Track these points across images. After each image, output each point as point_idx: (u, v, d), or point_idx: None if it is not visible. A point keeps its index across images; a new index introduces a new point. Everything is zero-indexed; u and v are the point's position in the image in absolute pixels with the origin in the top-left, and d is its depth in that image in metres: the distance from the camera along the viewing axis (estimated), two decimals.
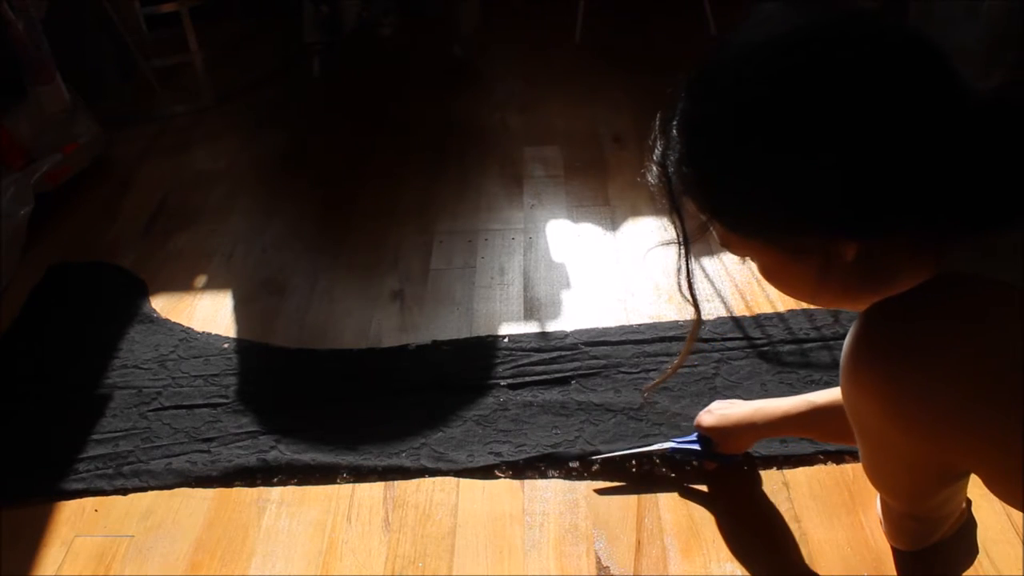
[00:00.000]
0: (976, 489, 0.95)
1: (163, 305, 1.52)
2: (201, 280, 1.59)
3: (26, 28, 1.68)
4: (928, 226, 0.64)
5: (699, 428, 1.09)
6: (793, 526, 1.04)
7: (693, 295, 0.76)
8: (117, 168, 1.97)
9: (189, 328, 1.45)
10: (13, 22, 1.66)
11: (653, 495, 1.09)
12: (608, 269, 1.52)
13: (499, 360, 1.32)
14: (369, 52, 2.45)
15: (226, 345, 1.41)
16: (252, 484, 1.16)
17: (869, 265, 0.66)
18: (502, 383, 1.28)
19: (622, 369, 1.29)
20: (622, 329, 1.37)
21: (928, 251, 0.65)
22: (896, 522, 0.93)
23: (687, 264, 0.74)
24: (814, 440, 1.10)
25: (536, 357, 1.32)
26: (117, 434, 1.24)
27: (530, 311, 1.43)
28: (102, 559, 1.07)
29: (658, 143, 0.70)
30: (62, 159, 1.79)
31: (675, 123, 0.68)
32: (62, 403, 1.31)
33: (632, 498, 1.09)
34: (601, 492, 1.11)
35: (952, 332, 0.62)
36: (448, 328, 1.41)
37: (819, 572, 0.98)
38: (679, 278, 0.75)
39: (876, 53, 0.60)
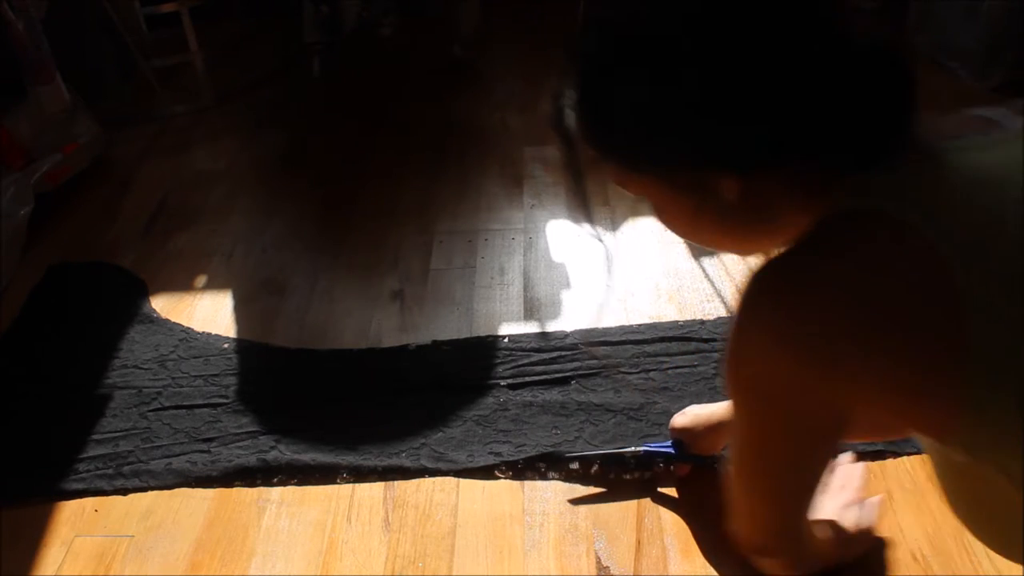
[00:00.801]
0: None
1: (163, 305, 1.52)
2: (201, 280, 1.59)
3: (26, 28, 1.68)
4: (810, 163, 0.64)
5: (672, 430, 1.09)
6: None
7: (593, 228, 0.77)
8: (117, 168, 1.97)
9: (189, 328, 1.45)
10: (13, 22, 1.66)
11: (653, 495, 1.09)
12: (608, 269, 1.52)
13: (499, 360, 1.32)
14: (369, 52, 2.45)
15: (226, 345, 1.41)
16: (252, 484, 1.16)
17: (753, 202, 0.66)
18: (502, 383, 1.28)
19: (622, 369, 1.29)
20: (622, 329, 1.37)
21: (812, 189, 0.65)
22: (757, 563, 0.87)
23: (583, 196, 0.74)
24: None
25: (536, 357, 1.32)
26: (117, 434, 1.24)
27: (530, 311, 1.43)
28: (102, 559, 1.07)
29: (558, 82, 0.70)
30: (62, 159, 1.79)
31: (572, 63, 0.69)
32: (62, 403, 1.31)
33: (633, 498, 1.09)
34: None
35: (834, 264, 0.62)
36: (448, 328, 1.41)
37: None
38: (576, 213, 0.75)
39: None
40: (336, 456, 1.17)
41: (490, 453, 1.16)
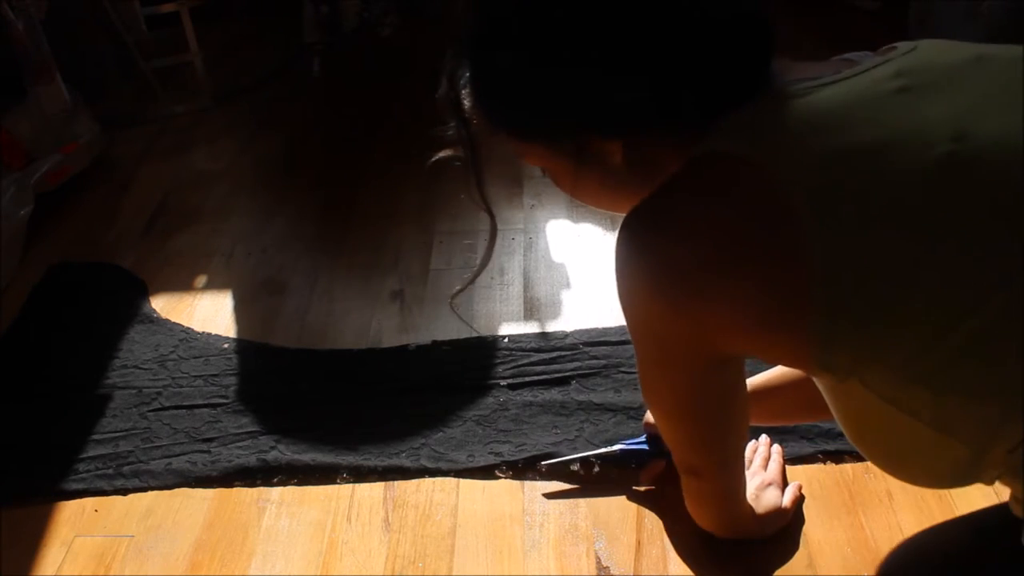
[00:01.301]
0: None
1: (163, 305, 1.52)
2: (201, 280, 1.59)
3: (26, 28, 1.68)
4: (680, 119, 0.67)
5: (646, 425, 1.10)
6: (791, 526, 1.03)
7: (485, 200, 0.78)
8: (117, 168, 1.97)
9: (189, 328, 1.45)
10: (13, 22, 1.66)
11: (651, 496, 1.10)
12: (608, 269, 1.52)
13: (499, 360, 1.32)
14: (369, 52, 2.45)
15: (226, 345, 1.41)
16: (252, 484, 1.16)
17: (637, 162, 0.70)
18: (502, 383, 1.28)
19: (622, 369, 1.28)
20: (622, 329, 1.36)
21: (686, 142, 0.68)
22: (687, 493, 0.95)
23: (476, 171, 0.76)
24: (762, 423, 1.12)
25: (536, 357, 1.32)
26: (117, 434, 1.24)
27: (530, 311, 1.43)
28: (102, 559, 1.07)
29: (451, 58, 0.73)
30: (62, 159, 1.79)
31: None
32: (62, 403, 1.31)
33: (633, 498, 1.09)
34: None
35: (678, 202, 0.66)
36: (448, 328, 1.41)
37: (819, 572, 0.98)
38: (470, 189, 0.77)
39: None
40: (336, 456, 1.17)
41: (490, 453, 1.16)
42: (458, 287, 0.92)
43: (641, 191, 0.72)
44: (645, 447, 1.09)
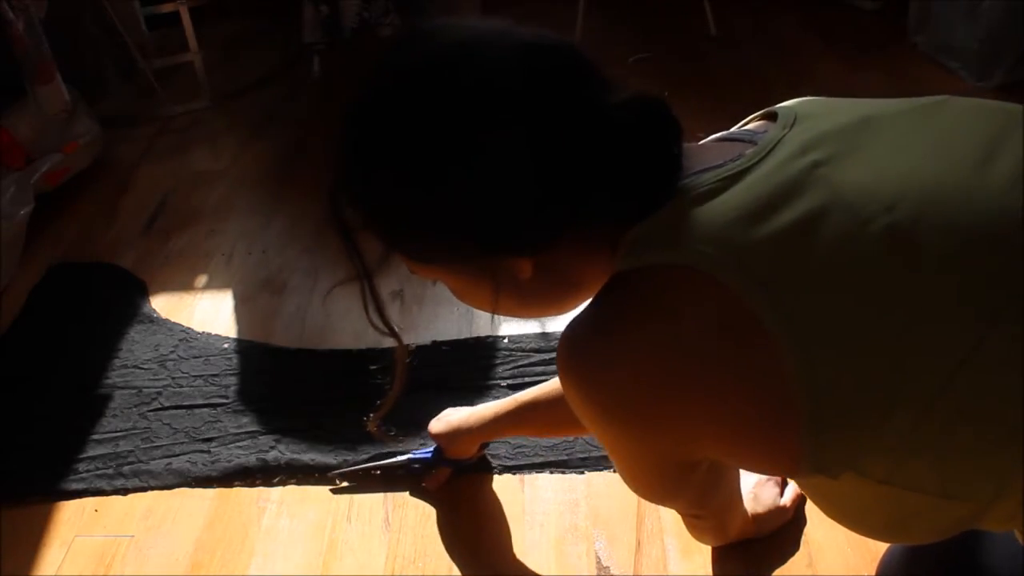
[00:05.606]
0: None
1: (163, 305, 1.52)
2: (201, 280, 1.59)
3: (26, 28, 1.68)
4: (588, 228, 0.64)
5: (431, 436, 1.10)
6: (792, 526, 1.04)
7: (388, 325, 0.74)
8: (117, 168, 1.97)
9: (189, 328, 1.45)
10: (13, 22, 1.66)
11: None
12: None
13: (499, 360, 1.32)
14: (369, 52, 2.45)
15: (226, 345, 1.41)
16: (252, 484, 1.16)
17: (548, 274, 0.66)
18: (502, 384, 1.28)
19: None
20: None
21: (599, 248, 0.65)
22: (685, 522, 0.93)
23: (373, 295, 0.72)
24: (537, 436, 1.14)
25: (536, 358, 1.32)
26: (117, 434, 1.24)
27: None
28: (102, 559, 1.07)
29: (333, 173, 0.68)
30: (62, 159, 1.79)
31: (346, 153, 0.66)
32: (62, 403, 1.31)
33: (632, 498, 1.09)
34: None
35: (631, 320, 0.62)
36: (448, 328, 1.41)
37: (819, 572, 0.98)
38: (368, 313, 0.72)
39: (513, 67, 0.60)
40: (336, 456, 1.17)
41: (489, 454, 1.16)
42: (372, 414, 0.89)
43: (562, 299, 0.70)
44: (430, 456, 1.11)
